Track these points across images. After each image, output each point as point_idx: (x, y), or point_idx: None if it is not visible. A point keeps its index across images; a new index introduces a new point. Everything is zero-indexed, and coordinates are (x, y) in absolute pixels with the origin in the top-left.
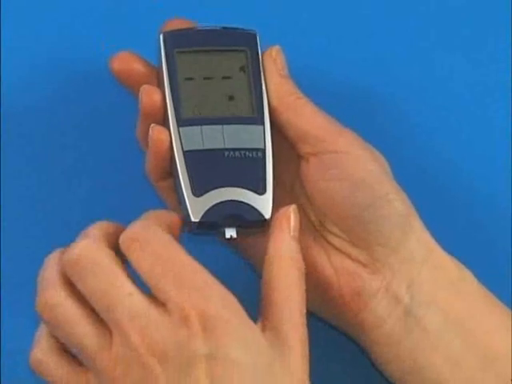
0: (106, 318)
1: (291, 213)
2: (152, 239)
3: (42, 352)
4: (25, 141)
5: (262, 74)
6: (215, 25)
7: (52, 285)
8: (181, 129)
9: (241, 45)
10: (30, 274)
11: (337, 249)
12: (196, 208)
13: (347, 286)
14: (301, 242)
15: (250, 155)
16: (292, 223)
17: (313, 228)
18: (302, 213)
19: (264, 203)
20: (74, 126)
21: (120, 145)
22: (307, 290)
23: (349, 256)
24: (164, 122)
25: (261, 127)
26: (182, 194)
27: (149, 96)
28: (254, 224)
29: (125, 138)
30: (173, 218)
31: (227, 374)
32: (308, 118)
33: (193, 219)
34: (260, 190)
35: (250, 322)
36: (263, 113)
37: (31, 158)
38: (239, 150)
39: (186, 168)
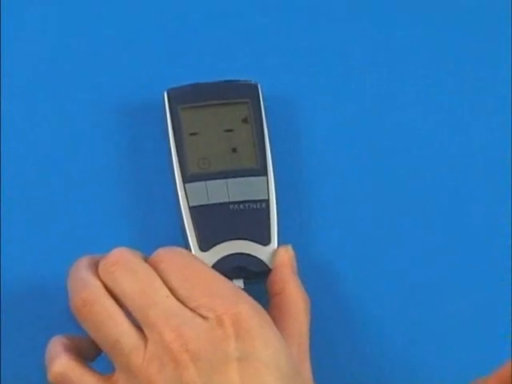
0: (141, 318)
1: (290, 252)
2: (175, 257)
3: (64, 365)
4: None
5: (264, 123)
6: (217, 79)
7: (91, 284)
8: (186, 185)
9: (242, 96)
10: (30, 285)
11: None
12: None
13: None
14: None
15: (254, 207)
16: (292, 261)
17: None
18: None
19: (269, 254)
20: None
21: (130, 154)
22: None
23: None
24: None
25: (264, 178)
26: (190, 250)
27: None
28: (260, 275)
29: (137, 145)
30: None
31: (258, 376)
32: None
33: None
34: (265, 241)
35: (277, 330)
36: (266, 163)
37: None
38: (243, 202)
39: (193, 224)
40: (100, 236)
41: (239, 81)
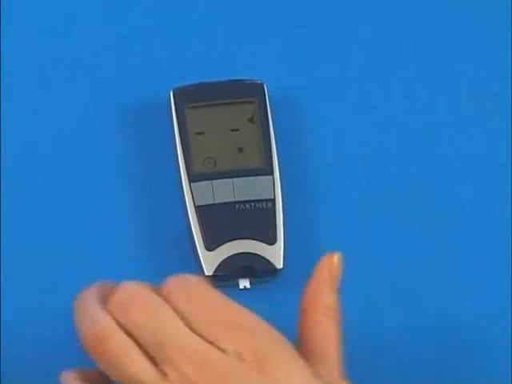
0: (158, 354)
1: (333, 261)
2: (188, 287)
3: None
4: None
5: (270, 123)
6: (223, 78)
7: (101, 318)
8: (192, 184)
9: (249, 96)
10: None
11: None
12: (209, 262)
13: None
14: None
15: (260, 206)
16: (333, 273)
17: None
18: None
19: (275, 253)
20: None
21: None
22: None
23: None
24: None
25: (270, 177)
26: (196, 249)
27: None
28: (266, 274)
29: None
30: None
31: None
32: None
33: (206, 273)
34: (270, 240)
35: (301, 360)
36: (272, 162)
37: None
38: (249, 202)
39: (199, 223)
40: (104, 236)
41: (245, 80)
